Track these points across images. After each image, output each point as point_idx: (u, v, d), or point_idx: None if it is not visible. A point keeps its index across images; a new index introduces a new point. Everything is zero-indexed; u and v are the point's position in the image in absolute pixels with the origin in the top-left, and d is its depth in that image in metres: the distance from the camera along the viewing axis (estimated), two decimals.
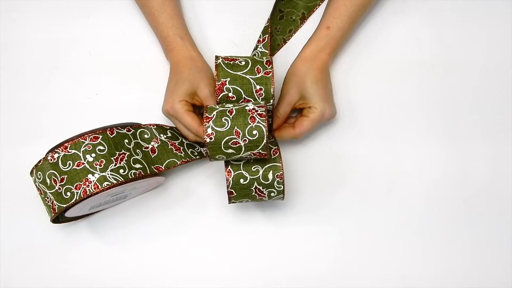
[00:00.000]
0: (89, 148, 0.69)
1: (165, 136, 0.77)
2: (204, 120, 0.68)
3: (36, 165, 0.72)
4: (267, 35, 0.82)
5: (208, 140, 0.68)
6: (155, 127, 0.77)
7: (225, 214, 0.80)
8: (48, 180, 0.70)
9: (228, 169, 0.71)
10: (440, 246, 0.79)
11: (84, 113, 0.83)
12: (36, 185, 0.73)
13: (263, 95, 0.72)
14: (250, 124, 0.67)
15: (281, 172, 0.71)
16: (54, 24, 0.87)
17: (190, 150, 0.78)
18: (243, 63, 0.73)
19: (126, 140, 0.72)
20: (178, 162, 0.76)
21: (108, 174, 0.69)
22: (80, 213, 0.76)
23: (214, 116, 0.68)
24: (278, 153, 0.72)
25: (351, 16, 0.80)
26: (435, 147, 0.82)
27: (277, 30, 0.85)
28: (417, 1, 0.87)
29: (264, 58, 0.74)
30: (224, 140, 0.68)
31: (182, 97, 0.74)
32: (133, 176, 0.70)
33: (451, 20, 0.87)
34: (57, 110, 0.83)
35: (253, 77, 0.72)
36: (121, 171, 0.70)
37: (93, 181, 0.68)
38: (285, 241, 0.79)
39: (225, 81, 0.72)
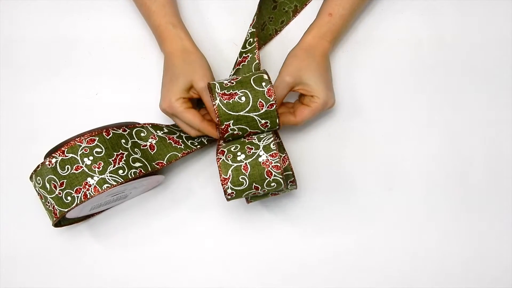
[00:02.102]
0: (86, 151, 0.69)
1: (162, 132, 0.77)
2: (222, 182, 0.68)
3: (35, 170, 0.72)
4: (255, 16, 0.81)
5: (229, 197, 0.69)
6: (150, 125, 0.77)
7: (227, 214, 0.80)
8: (47, 185, 0.70)
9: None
10: (441, 245, 0.79)
11: (84, 113, 0.83)
12: (36, 190, 0.73)
13: (269, 126, 0.71)
14: (268, 178, 0.68)
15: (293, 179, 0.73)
16: (54, 24, 0.87)
17: (190, 141, 0.78)
18: (244, 99, 0.69)
19: (123, 140, 0.72)
20: (179, 155, 0.76)
21: (107, 176, 0.69)
22: (81, 214, 0.76)
23: (231, 176, 0.68)
24: (287, 162, 0.73)
25: (353, 4, 0.80)
26: (436, 146, 0.81)
27: (270, 20, 0.85)
28: (417, 1, 0.87)
29: (263, 84, 0.70)
30: (244, 194, 0.69)
31: (179, 94, 0.73)
32: (133, 176, 0.70)
33: (451, 20, 0.86)
34: (57, 110, 0.84)
35: (256, 114, 0.70)
36: (120, 171, 0.70)
37: (93, 184, 0.68)
38: (285, 240, 0.79)
39: (229, 123, 0.70)
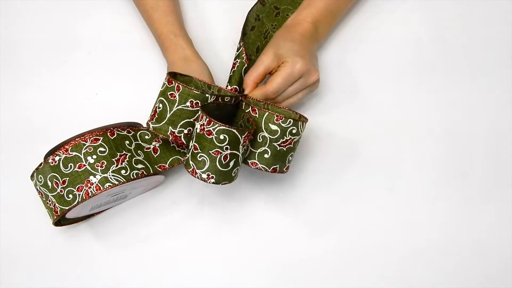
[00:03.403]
0: (90, 150, 0.70)
1: None
2: (193, 175, 0.69)
3: (37, 169, 0.72)
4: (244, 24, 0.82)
5: (213, 181, 0.68)
6: None
7: (226, 214, 0.80)
8: (49, 183, 0.70)
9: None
10: (441, 245, 0.79)
11: (84, 113, 0.83)
12: (37, 189, 0.73)
13: (195, 102, 0.71)
14: (212, 136, 0.67)
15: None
16: (54, 24, 0.87)
17: None
18: (161, 105, 0.72)
19: (127, 142, 0.73)
20: (182, 159, 0.76)
21: (109, 175, 0.69)
22: (81, 214, 0.76)
23: (194, 165, 0.69)
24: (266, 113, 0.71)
25: None
26: (436, 145, 0.82)
27: (273, 27, 0.85)
28: (417, 1, 0.87)
29: (164, 80, 0.73)
30: (218, 165, 0.68)
31: None
32: (135, 177, 0.70)
33: (451, 19, 0.87)
34: (57, 110, 0.83)
35: (176, 105, 0.71)
36: (123, 171, 0.70)
37: (95, 182, 0.68)
38: (285, 240, 0.79)
39: (171, 131, 0.72)
